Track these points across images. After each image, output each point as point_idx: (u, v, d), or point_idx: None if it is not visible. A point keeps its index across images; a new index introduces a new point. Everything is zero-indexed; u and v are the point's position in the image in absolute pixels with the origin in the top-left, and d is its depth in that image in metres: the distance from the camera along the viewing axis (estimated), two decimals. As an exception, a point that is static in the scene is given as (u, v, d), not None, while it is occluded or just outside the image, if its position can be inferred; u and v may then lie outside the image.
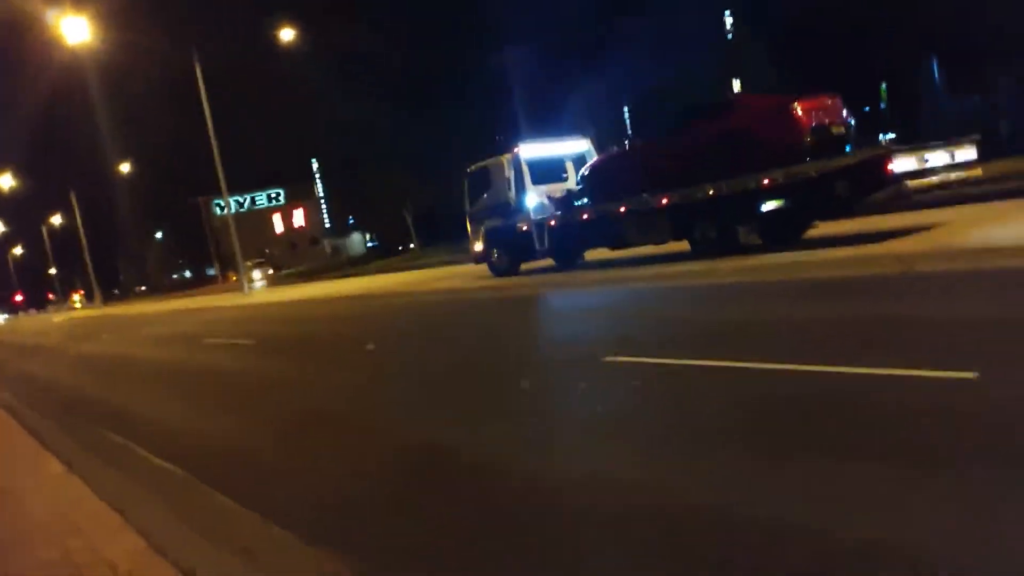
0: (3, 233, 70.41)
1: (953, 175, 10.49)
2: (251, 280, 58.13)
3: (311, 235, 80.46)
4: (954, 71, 39.17)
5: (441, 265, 28.94)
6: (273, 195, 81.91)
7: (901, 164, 9.81)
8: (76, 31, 28.72)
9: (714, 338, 6.77)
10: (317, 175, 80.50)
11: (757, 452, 3.80)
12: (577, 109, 40.69)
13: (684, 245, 12.93)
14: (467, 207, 17.32)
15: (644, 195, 12.79)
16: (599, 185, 14.07)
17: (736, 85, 49.56)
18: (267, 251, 74.13)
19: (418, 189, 51.45)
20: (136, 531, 3.93)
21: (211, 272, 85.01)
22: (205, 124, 31.45)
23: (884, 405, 4.14)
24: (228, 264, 71.85)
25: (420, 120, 50.38)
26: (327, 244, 77.66)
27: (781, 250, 11.22)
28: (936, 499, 2.98)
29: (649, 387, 5.48)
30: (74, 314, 60.93)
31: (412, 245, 54.48)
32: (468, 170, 17.33)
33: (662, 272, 11.96)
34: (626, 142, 16.25)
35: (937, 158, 10.31)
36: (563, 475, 4.00)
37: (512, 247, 16.13)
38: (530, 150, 15.89)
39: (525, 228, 15.42)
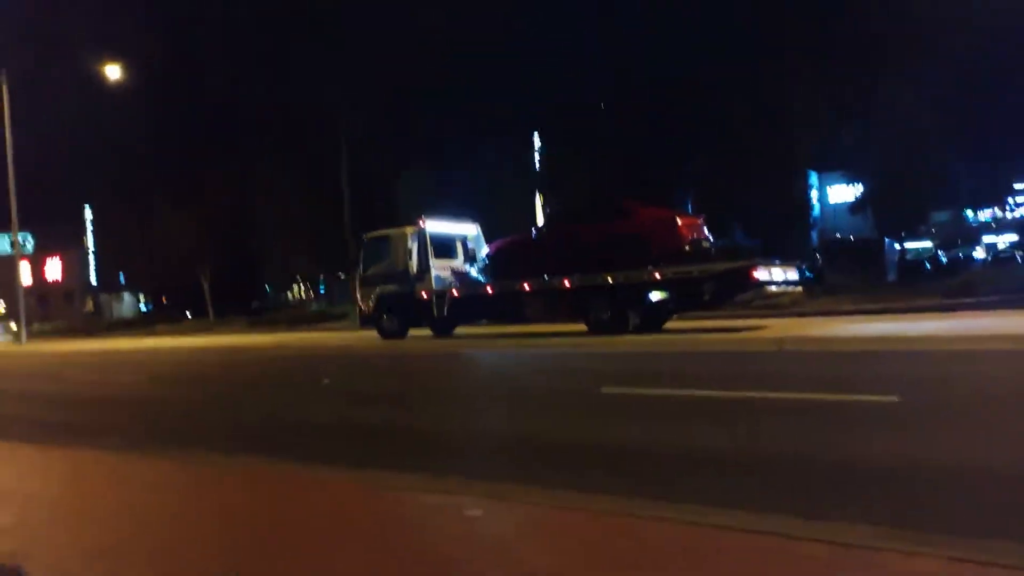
0: None
1: (788, 288, 14.25)
2: (-8, 333, 50.46)
3: (67, 289, 71.58)
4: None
5: (257, 332, 28.67)
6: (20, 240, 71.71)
7: (761, 273, 13.25)
8: None
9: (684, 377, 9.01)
10: (89, 223, 72.54)
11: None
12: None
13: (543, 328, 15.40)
14: (359, 271, 18.38)
15: (549, 277, 15.08)
16: (504, 264, 16.18)
17: (538, 200, 54.35)
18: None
19: (217, 252, 48.25)
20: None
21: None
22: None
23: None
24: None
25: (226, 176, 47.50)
26: (89, 301, 69.48)
27: (658, 333, 14.14)
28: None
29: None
30: None
31: (208, 314, 50.90)
32: (366, 237, 18.54)
33: (549, 342, 14.29)
34: (532, 229, 18.61)
35: (779, 273, 13.99)
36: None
37: (405, 313, 17.40)
38: (433, 225, 17.60)
39: (425, 296, 16.87)
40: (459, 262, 18.02)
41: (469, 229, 18.64)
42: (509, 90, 45.32)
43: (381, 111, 41.02)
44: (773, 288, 13.79)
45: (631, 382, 8.81)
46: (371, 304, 17.96)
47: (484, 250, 17.71)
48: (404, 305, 17.29)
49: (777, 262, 14.23)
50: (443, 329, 17.85)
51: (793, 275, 14.69)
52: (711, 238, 15.17)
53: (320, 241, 46.61)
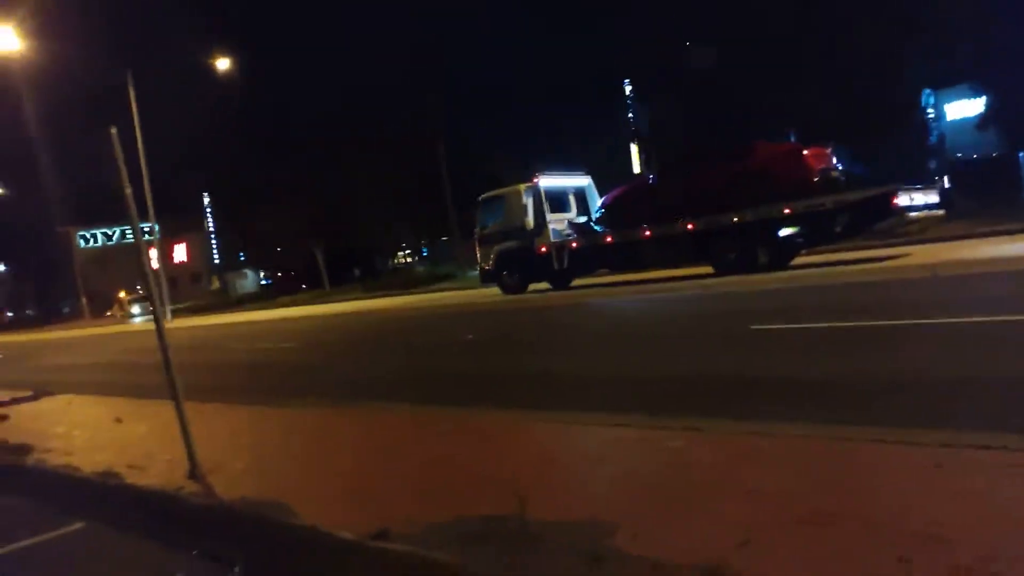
0: None
1: (931, 212, 13.59)
2: (130, 314, 54.95)
3: (193, 271, 76.82)
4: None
5: (380, 296, 29.80)
6: (146, 229, 77.17)
7: (902, 199, 12.68)
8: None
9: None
10: (209, 209, 77.42)
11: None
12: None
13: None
14: (477, 231, 18.84)
15: (671, 221, 14.98)
16: (621, 213, 16.17)
17: (633, 150, 53.58)
18: (137, 287, 69.91)
19: (330, 226, 50.70)
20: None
21: (65, 309, 78.46)
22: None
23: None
24: (95, 298, 66.96)
25: (332, 159, 49.84)
26: (215, 280, 74.38)
27: (789, 270, 13.81)
28: None
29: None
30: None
31: (324, 284, 53.68)
32: (481, 198, 18.96)
33: (676, 286, 14.22)
34: (649, 175, 18.49)
35: (921, 197, 13.34)
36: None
37: (526, 268, 17.76)
38: (547, 180, 17.77)
39: (544, 250, 17.14)
40: (574, 214, 18.16)
41: (582, 181, 18.70)
42: (599, 40, 44.59)
43: (474, 80, 41.38)
44: (914, 214, 13.17)
45: (778, 318, 8.72)
46: (491, 261, 18.41)
47: (599, 201, 17.73)
48: (523, 260, 17.64)
49: (918, 186, 13.54)
50: (562, 282, 18.14)
51: (934, 198, 13.97)
52: (840, 167, 14.57)
53: (421, 209, 47.95)
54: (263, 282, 72.84)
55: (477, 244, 19.01)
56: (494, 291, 18.87)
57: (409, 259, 71.15)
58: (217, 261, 79.24)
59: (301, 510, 3.80)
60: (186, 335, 23.14)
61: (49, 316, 76.37)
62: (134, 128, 31.19)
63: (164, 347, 5.03)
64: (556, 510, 3.28)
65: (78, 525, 4.60)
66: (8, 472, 5.97)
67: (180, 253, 78.61)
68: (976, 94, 37.88)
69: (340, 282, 51.30)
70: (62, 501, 5.09)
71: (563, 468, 4.05)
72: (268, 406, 7.15)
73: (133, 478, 4.92)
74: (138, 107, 32.09)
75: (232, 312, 41.25)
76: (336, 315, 21.98)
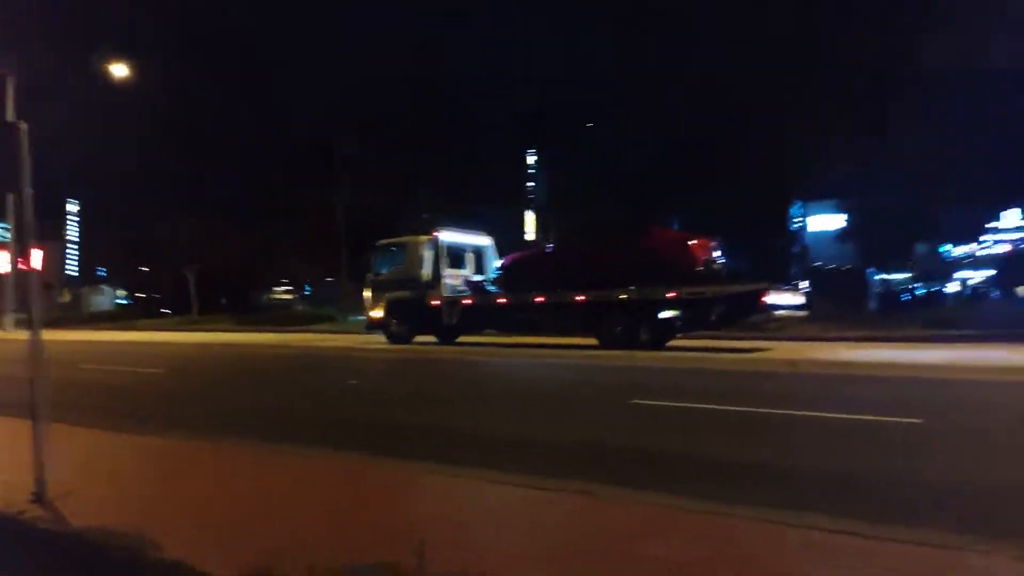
0: None
1: (795, 312, 14.79)
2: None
3: (45, 280, 70.45)
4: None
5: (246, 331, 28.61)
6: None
7: (773, 298, 13.75)
8: None
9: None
10: (72, 217, 71.80)
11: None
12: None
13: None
14: (370, 276, 18.61)
15: (563, 291, 15.45)
16: (517, 277, 16.52)
17: (528, 218, 54.91)
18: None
19: (208, 249, 47.64)
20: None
21: None
22: None
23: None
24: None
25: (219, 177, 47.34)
26: (65, 292, 68.51)
27: (666, 350, 14.55)
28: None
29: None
30: None
31: (191, 311, 50.38)
32: (378, 243, 18.82)
33: (561, 353, 14.61)
34: (548, 245, 18.98)
35: (788, 298, 14.51)
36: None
37: (415, 319, 17.65)
38: (447, 236, 17.91)
39: (437, 303, 17.14)
40: (470, 273, 18.36)
41: (482, 241, 18.99)
42: (503, 111, 46.07)
43: (377, 129, 41.38)
44: (781, 312, 14.29)
45: (659, 395, 9.14)
46: (380, 309, 18.18)
47: (496, 262, 18.04)
48: (414, 311, 17.55)
49: (786, 287, 14.74)
50: (449, 337, 18.15)
51: (800, 300, 15.24)
52: (722, 260, 15.65)
53: (312, 244, 46.64)
54: (119, 300, 67.93)
55: (368, 290, 18.74)
56: (379, 339, 18.57)
57: (289, 295, 68.76)
58: (75, 274, 73.32)
59: (166, 544, 3.55)
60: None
61: None
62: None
63: (37, 358, 4.64)
64: (451, 563, 3.25)
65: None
66: None
67: (35, 260, 72.08)
68: (839, 211, 42.14)
69: (208, 311, 48.51)
70: None
71: (458, 521, 4.02)
72: (129, 433, 6.65)
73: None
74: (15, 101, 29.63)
75: (85, 329, 38.09)
76: (205, 344, 20.84)
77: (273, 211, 44.77)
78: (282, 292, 70.37)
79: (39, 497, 4.41)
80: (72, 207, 71.94)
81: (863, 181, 36.57)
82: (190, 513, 4.20)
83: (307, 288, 64.49)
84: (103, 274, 69.32)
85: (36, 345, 4.71)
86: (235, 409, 8.89)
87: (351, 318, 37.27)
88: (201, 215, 45.54)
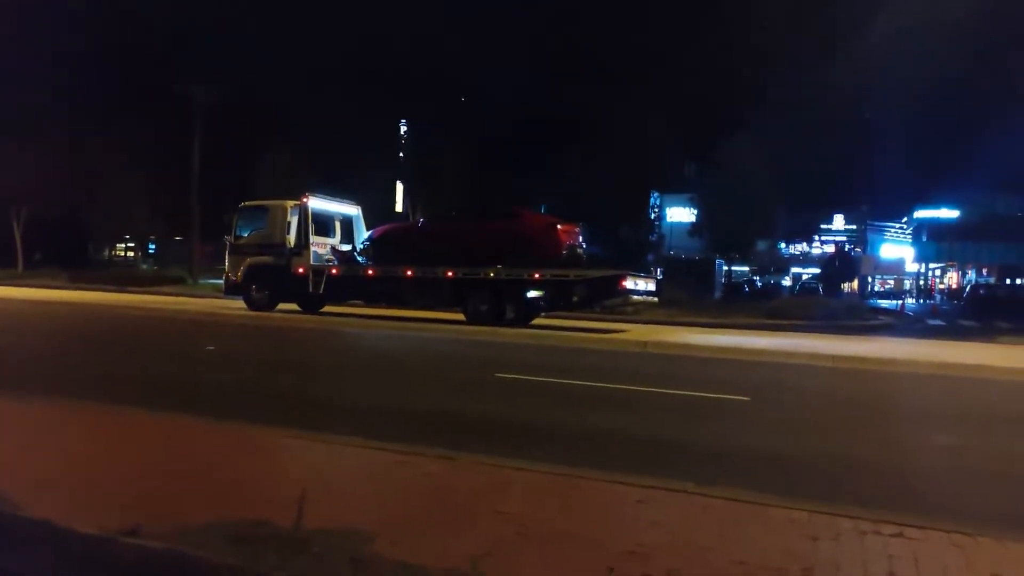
0: None
1: (647, 298, 15.82)
2: None
3: None
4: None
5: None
6: None
7: (630, 283, 14.66)
8: None
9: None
10: None
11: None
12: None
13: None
14: (231, 239, 17.85)
15: (433, 266, 15.62)
16: (387, 249, 16.47)
17: (398, 188, 53.92)
18: None
19: (41, 192, 42.28)
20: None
21: None
22: None
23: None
24: None
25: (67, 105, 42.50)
26: None
27: (529, 328, 15.18)
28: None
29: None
30: None
31: (16, 264, 45.19)
32: (241, 205, 18.04)
33: (427, 327, 14.93)
34: (420, 219, 18.93)
35: (643, 284, 15.50)
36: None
37: (278, 286, 17.16)
38: (316, 203, 17.50)
39: (302, 271, 16.76)
40: (338, 241, 18.08)
41: (351, 210, 18.71)
42: (379, 76, 45.13)
43: (239, 83, 39.21)
44: (636, 297, 15.26)
45: (520, 370, 9.64)
46: (240, 273, 17.51)
47: (365, 233, 17.89)
48: (277, 278, 17.06)
49: (642, 274, 15.76)
50: (313, 307, 17.83)
51: (652, 287, 16.32)
52: (584, 246, 16.44)
53: (161, 202, 43.47)
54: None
55: (228, 252, 17.95)
56: (237, 304, 17.91)
57: (130, 254, 63.85)
58: None
59: (32, 504, 3.49)
60: None
61: None
62: None
63: None
64: (321, 519, 3.44)
65: None
66: None
67: None
68: (692, 205, 44.91)
69: (37, 265, 43.95)
70: None
71: (324, 482, 4.19)
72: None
73: None
74: None
75: None
76: (42, 302, 19.16)
77: (119, 156, 40.86)
78: (123, 249, 65.23)
79: None
80: None
81: (711, 179, 39.51)
82: (55, 476, 4.09)
83: (151, 246, 60.06)
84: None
85: None
86: (89, 373, 8.43)
87: (201, 280, 35.37)
88: (33, 150, 40.26)
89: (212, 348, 11.17)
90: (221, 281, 20.33)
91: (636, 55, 36.45)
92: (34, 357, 9.68)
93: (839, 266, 54.92)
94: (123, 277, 36.76)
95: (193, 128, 37.85)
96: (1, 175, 40.48)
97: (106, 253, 60.91)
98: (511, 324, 15.21)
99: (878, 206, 77.73)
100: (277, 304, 17.57)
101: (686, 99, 35.22)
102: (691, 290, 31.21)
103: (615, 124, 37.47)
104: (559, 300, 15.32)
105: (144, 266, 49.10)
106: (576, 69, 38.39)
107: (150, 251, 60.98)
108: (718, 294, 39.67)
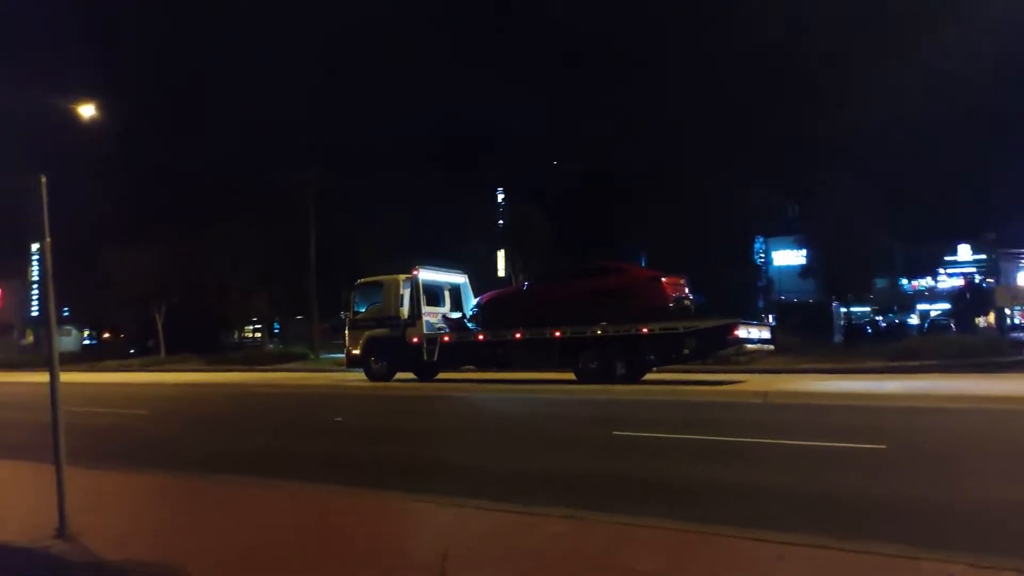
0: None
1: (763, 346, 15.37)
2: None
3: (4, 322, 68.77)
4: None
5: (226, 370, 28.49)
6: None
7: (742, 331, 14.32)
8: None
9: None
10: (36, 257, 70.30)
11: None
12: None
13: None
14: (349, 315, 18.86)
15: (540, 327, 15.85)
16: (494, 313, 16.91)
17: (500, 256, 54.97)
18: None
19: (173, 289, 47.14)
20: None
21: None
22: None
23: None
24: None
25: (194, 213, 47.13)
26: (28, 333, 66.91)
27: (641, 384, 15.03)
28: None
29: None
30: None
31: (159, 351, 49.51)
32: (358, 282, 19.14)
33: (540, 388, 15.03)
34: (525, 282, 19.43)
35: (756, 332, 15.10)
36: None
37: (395, 356, 17.88)
38: (425, 274, 18.28)
39: (416, 341, 17.42)
40: (448, 310, 18.73)
41: (458, 279, 19.41)
42: (475, 151, 47.19)
43: (348, 168, 42.06)
44: (750, 346, 14.85)
45: (638, 427, 9.55)
46: (360, 347, 18.39)
47: (473, 300, 18.45)
48: (394, 348, 17.79)
49: (754, 322, 15.35)
50: (429, 374, 18.41)
51: (767, 334, 15.84)
52: (691, 297, 16.25)
53: (282, 283, 46.57)
54: (86, 342, 66.52)
55: (347, 328, 18.98)
56: (358, 376, 18.74)
57: (258, 334, 67.99)
58: (35, 314, 71.63)
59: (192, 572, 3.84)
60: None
61: None
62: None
63: (55, 401, 4.92)
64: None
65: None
66: None
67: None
68: (799, 247, 43.36)
69: (176, 351, 47.82)
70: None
71: (460, 544, 4.35)
72: (128, 472, 6.84)
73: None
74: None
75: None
76: (182, 385, 20.76)
77: (241, 248, 44.61)
78: (251, 331, 69.53)
79: (61, 532, 4.65)
80: (35, 246, 70.41)
81: (819, 217, 38.12)
82: (208, 546, 4.47)
83: (275, 326, 63.87)
84: (67, 315, 67.86)
85: (54, 388, 4.98)
86: (229, 448, 9.06)
87: (323, 355, 37.23)
88: (168, 254, 45.17)
89: (340, 419, 11.73)
90: (341, 355, 21.35)
91: (727, 101, 36.23)
92: (176, 435, 10.49)
93: (970, 299, 50.99)
94: (252, 357, 39.32)
95: (307, 213, 40.62)
96: (144, 278, 45.55)
97: (235, 335, 65.26)
98: (622, 380, 15.11)
99: (1008, 232, 72.15)
100: (395, 374, 18.26)
101: (782, 140, 34.45)
102: (807, 335, 29.79)
103: (710, 170, 37.17)
104: (670, 353, 15.13)
105: (270, 345, 52.11)
106: (661, 119, 38.59)
107: (275, 331, 64.92)
108: (838, 337, 37.62)
